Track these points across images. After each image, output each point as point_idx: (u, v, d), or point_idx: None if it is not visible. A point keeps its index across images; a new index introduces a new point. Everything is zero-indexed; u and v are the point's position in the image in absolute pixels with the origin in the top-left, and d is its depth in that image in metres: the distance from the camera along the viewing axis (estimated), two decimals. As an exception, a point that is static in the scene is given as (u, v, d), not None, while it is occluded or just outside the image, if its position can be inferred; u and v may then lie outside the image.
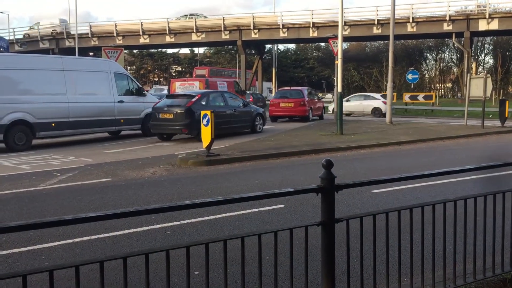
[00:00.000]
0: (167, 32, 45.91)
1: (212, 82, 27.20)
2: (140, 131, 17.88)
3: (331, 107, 30.13)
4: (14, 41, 47.90)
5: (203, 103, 15.75)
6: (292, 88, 27.94)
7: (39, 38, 49.22)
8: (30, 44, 49.10)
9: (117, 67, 17.82)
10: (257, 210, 6.61)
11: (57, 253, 5.13)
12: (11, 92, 14.04)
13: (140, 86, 18.58)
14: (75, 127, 15.61)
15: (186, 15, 49.50)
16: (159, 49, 66.21)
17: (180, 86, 24.69)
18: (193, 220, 6.19)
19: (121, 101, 16.85)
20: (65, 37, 48.69)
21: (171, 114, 15.36)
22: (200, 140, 14.40)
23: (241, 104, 18.01)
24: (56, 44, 49.31)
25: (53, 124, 14.85)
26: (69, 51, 47.92)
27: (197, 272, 4.38)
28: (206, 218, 6.28)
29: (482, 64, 66.21)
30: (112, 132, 17.81)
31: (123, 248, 5.25)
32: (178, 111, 15.23)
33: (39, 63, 15.17)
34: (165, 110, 15.55)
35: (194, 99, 15.67)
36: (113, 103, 16.62)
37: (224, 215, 6.40)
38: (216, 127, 15.53)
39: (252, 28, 43.86)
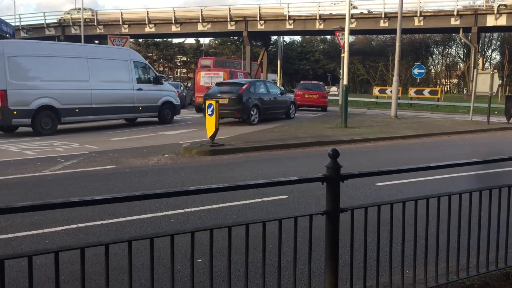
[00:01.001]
0: (173, 22, 45.80)
1: (234, 72, 29.03)
2: (157, 119, 18.33)
3: None
4: (20, 28, 47.89)
5: (251, 90, 17.67)
6: (313, 81, 31.97)
7: (45, 25, 49.17)
8: (35, 31, 49.08)
9: (136, 56, 18.41)
10: (260, 200, 6.62)
11: (61, 238, 5.15)
12: (38, 78, 14.58)
13: (157, 74, 19.06)
14: (97, 113, 16.07)
15: (75, 9, 50.14)
16: (165, 39, 66.04)
17: (205, 76, 26.49)
18: (196, 209, 6.20)
19: (139, 89, 17.37)
20: (70, 24, 48.60)
21: (225, 100, 16.74)
22: (249, 123, 17.23)
23: (279, 92, 19.89)
24: (62, 31, 49.26)
25: (77, 110, 15.38)
26: (75, 39, 47.85)
27: (200, 260, 4.39)
28: (209, 206, 6.29)
29: (489, 60, 65.90)
30: (128, 119, 18.26)
31: (127, 234, 5.27)
32: (232, 97, 16.92)
33: (63, 51, 15.70)
34: (218, 96, 16.62)
35: (244, 87, 17.43)
36: (132, 91, 17.13)
37: (227, 204, 6.41)
38: (263, 112, 18.07)
39: (258, 19, 43.70)
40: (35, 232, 5.28)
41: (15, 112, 13.91)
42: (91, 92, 15.72)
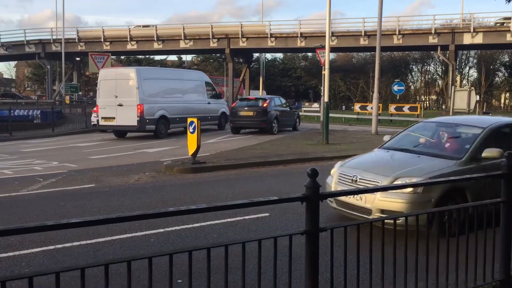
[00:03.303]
0: (155, 39, 45.78)
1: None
2: (216, 126, 22.76)
3: None
4: (0, 45, 47.40)
5: (272, 104, 20.50)
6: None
7: (25, 42, 48.70)
8: (16, 48, 48.60)
9: (206, 77, 23.54)
10: (241, 218, 6.60)
11: (38, 260, 5.05)
12: (158, 95, 19.10)
13: (218, 91, 23.89)
14: (186, 121, 19.06)
15: None
16: (147, 56, 65.98)
17: None
18: (177, 228, 6.15)
19: (209, 103, 22.14)
20: (51, 41, 48.21)
21: (251, 112, 20.01)
22: (271, 133, 20.05)
23: (289, 107, 22.98)
24: (43, 48, 48.82)
25: (177, 119, 19.53)
26: (55, 56, 47.48)
27: (180, 280, 4.34)
28: (190, 225, 6.25)
29: (466, 77, 67.23)
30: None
31: (106, 255, 5.20)
32: (258, 110, 19.90)
33: (169, 74, 21.33)
34: (246, 109, 20.18)
35: (267, 102, 20.30)
36: (205, 104, 21.86)
37: (208, 223, 6.37)
38: (281, 123, 21.02)
39: (240, 36, 43.96)
40: (11, 254, 5.17)
41: (147, 121, 18.27)
42: (184, 105, 20.20)
